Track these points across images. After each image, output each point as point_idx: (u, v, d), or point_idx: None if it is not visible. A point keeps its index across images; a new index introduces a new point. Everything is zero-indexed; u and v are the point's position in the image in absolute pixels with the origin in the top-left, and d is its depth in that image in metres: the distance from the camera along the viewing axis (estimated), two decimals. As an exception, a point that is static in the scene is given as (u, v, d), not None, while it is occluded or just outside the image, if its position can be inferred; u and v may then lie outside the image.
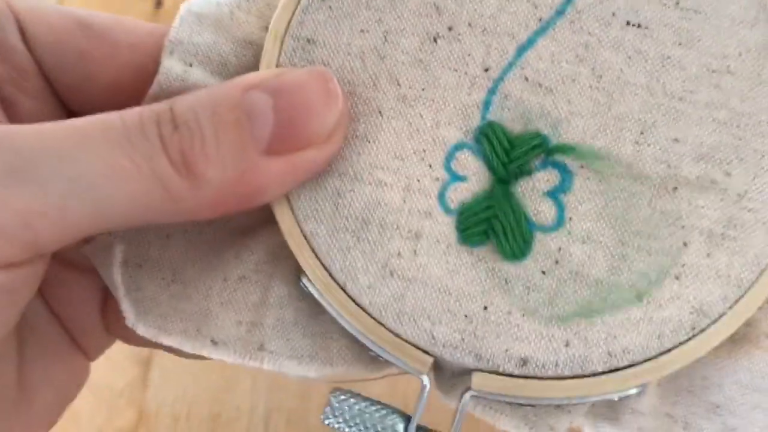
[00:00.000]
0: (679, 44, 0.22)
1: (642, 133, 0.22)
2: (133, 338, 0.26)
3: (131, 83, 0.23)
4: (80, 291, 0.25)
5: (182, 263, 0.24)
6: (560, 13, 0.22)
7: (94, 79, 0.24)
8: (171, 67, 0.22)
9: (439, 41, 0.22)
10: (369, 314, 0.22)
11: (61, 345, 0.25)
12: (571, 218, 0.21)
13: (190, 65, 0.23)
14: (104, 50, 0.23)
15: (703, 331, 0.21)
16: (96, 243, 0.24)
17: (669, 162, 0.22)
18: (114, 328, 0.26)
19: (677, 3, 0.22)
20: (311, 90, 0.21)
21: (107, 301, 0.26)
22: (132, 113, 0.20)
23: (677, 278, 0.21)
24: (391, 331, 0.22)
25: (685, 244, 0.21)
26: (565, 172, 0.22)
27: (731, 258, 0.21)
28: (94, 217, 0.20)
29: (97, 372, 0.28)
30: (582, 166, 0.22)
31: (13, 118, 0.23)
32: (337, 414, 0.22)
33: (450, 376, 0.22)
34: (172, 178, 0.20)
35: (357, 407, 0.22)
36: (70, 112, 0.25)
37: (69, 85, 0.24)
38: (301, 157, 0.21)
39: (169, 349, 0.25)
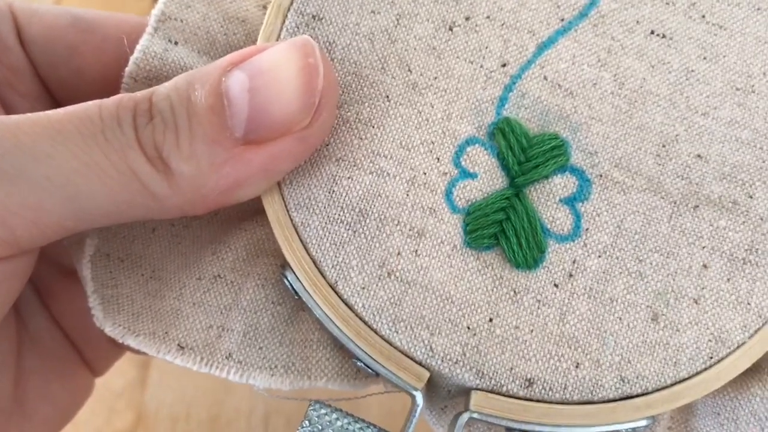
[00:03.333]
0: (704, 58, 0.21)
1: (664, 146, 0.20)
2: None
3: (121, 77, 0.22)
4: (85, 302, 0.23)
5: (163, 259, 0.22)
6: (583, 15, 0.21)
7: (84, 74, 0.23)
8: (149, 45, 0.21)
9: (455, 29, 0.21)
10: (361, 318, 0.19)
11: (64, 359, 0.24)
12: (587, 229, 0.20)
13: (175, 43, 0.21)
14: (93, 44, 0.23)
15: (721, 360, 0.19)
16: (72, 236, 0.21)
17: (691, 178, 0.20)
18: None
19: (703, 16, 0.21)
20: (288, 66, 0.19)
21: None
22: (110, 103, 0.19)
23: (696, 302, 0.20)
24: (385, 339, 0.19)
25: (705, 266, 0.20)
26: (584, 180, 0.20)
27: (752, 284, 0.20)
28: (73, 214, 0.19)
29: None
30: (601, 175, 0.20)
31: None
32: (314, 430, 0.19)
33: (445, 395, 0.20)
34: (149, 173, 0.18)
35: (338, 423, 0.19)
36: None
37: (60, 81, 0.23)
38: (280, 145, 0.19)
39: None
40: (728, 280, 0.20)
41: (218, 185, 0.19)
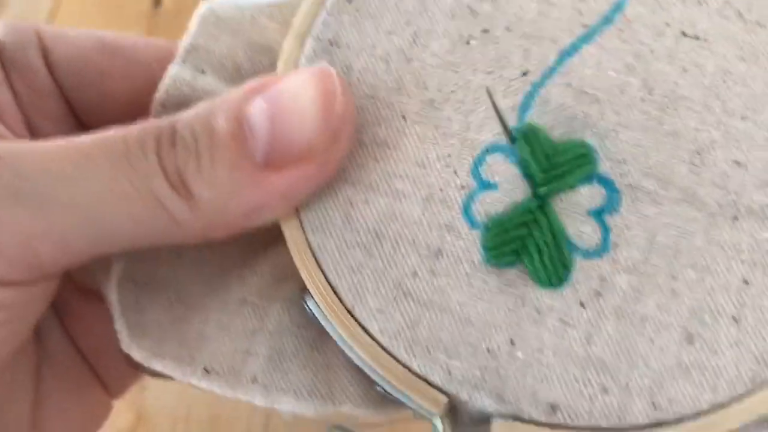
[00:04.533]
0: (742, 59, 0.20)
1: (698, 153, 0.19)
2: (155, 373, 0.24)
3: (147, 99, 0.22)
4: (104, 323, 0.23)
5: (189, 283, 0.22)
6: (608, 20, 0.20)
7: (111, 97, 0.24)
8: (179, 72, 0.21)
9: (472, 42, 0.20)
10: (378, 342, 0.19)
11: (81, 381, 0.25)
12: (617, 243, 0.19)
13: (203, 72, 0.22)
14: (121, 68, 0.23)
15: (765, 384, 0.18)
16: (98, 261, 0.22)
17: (729, 187, 0.19)
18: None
19: (740, 14, 0.20)
20: (306, 93, 0.19)
21: None
22: (134, 131, 0.19)
23: (736, 321, 0.18)
24: (402, 364, 0.19)
25: (745, 282, 0.18)
26: (612, 190, 0.19)
27: None
28: (97, 239, 0.19)
29: None
30: (631, 185, 0.19)
31: (33, 137, 0.23)
32: None
33: (467, 422, 0.19)
34: (171, 198, 0.19)
35: None
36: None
37: (87, 104, 0.24)
38: (300, 170, 0.19)
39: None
40: None
41: (239, 209, 0.19)
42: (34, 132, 0.24)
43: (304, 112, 0.19)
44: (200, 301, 0.21)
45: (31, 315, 0.21)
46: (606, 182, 0.19)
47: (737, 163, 0.19)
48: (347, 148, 0.20)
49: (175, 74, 0.21)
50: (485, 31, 0.20)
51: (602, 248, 0.19)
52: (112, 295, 0.22)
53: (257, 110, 0.19)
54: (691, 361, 0.18)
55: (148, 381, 0.35)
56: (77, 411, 0.24)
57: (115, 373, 0.25)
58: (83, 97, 0.24)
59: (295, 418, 0.20)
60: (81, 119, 0.25)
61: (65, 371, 0.24)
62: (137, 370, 0.24)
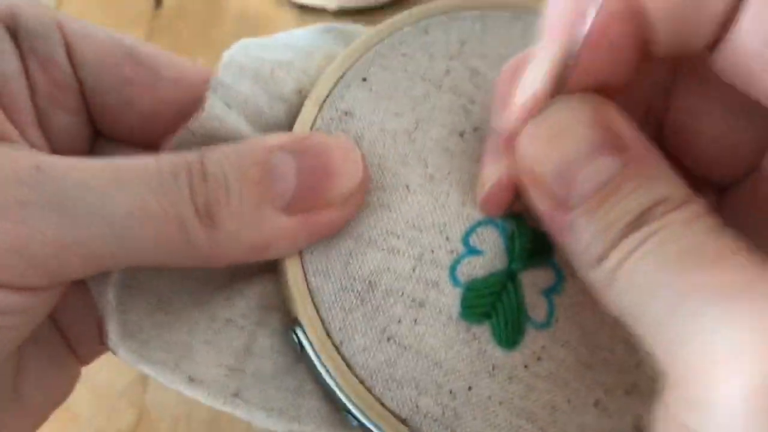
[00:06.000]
0: None
1: None
2: None
3: (168, 114, 0.24)
4: (81, 301, 0.25)
5: (170, 293, 0.24)
6: None
7: (134, 105, 0.25)
8: (214, 106, 0.23)
9: (465, 136, 0.24)
10: (357, 376, 0.22)
11: (57, 351, 0.25)
12: (557, 320, 0.23)
13: (230, 107, 0.24)
14: (147, 79, 0.24)
15: None
16: None
17: None
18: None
19: None
20: (334, 155, 0.23)
21: None
22: (167, 160, 0.21)
23: (627, 393, 0.23)
24: (375, 397, 0.22)
25: (637, 365, 0.23)
26: (560, 276, 0.24)
27: None
28: (120, 254, 0.21)
29: (97, 373, 0.28)
30: (572, 274, 0.24)
31: (46, 131, 0.24)
32: None
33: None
34: (194, 225, 0.21)
35: None
36: (96, 132, 0.26)
37: (106, 107, 0.25)
38: (316, 218, 0.22)
39: None
40: (654, 378, 0.23)
41: (253, 243, 0.22)
42: (45, 124, 0.24)
43: (332, 171, 0.22)
44: (184, 311, 0.23)
45: (41, 316, 0.22)
46: (556, 268, 0.24)
47: None
48: (360, 205, 0.23)
49: (209, 107, 0.23)
50: (475, 129, 0.25)
51: (547, 322, 0.23)
52: (109, 296, 0.23)
53: (284, 163, 0.22)
54: (592, 422, 0.23)
55: (150, 380, 0.37)
56: (53, 377, 0.25)
57: (87, 346, 0.26)
58: (103, 99, 0.25)
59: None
60: (95, 117, 0.25)
61: (43, 341, 0.25)
62: (108, 348, 0.25)
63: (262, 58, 0.25)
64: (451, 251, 0.23)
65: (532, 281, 0.23)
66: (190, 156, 0.22)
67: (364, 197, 0.23)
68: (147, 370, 0.23)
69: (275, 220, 0.22)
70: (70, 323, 0.26)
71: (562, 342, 0.23)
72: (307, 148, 0.22)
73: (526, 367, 0.23)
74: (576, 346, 0.23)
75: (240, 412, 0.22)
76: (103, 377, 0.28)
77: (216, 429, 0.36)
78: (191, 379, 0.22)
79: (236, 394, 0.22)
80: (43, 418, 0.25)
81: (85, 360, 0.26)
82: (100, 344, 0.25)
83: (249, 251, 0.22)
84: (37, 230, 0.19)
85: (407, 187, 0.24)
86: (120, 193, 0.20)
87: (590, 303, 0.24)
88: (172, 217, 0.21)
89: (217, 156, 0.22)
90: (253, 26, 0.53)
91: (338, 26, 0.28)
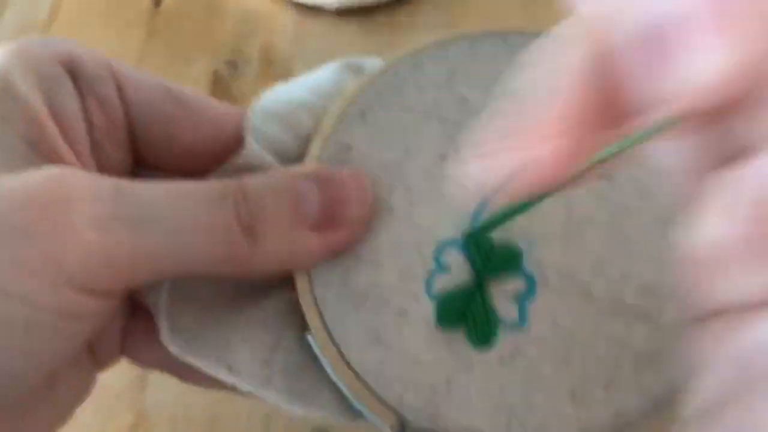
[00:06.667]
0: (640, 197, 0.27)
1: (599, 262, 0.27)
2: (142, 360, 0.30)
3: (205, 149, 0.29)
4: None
5: (211, 301, 0.29)
6: None
7: (176, 141, 0.28)
8: (254, 144, 0.28)
9: (446, 160, 0.28)
10: (354, 371, 0.26)
11: (82, 355, 0.28)
12: (530, 322, 0.26)
13: (261, 146, 0.28)
14: (190, 118, 0.29)
15: None
16: None
17: (615, 291, 0.26)
18: (129, 348, 0.30)
19: (642, 165, 0.28)
20: (351, 185, 0.27)
21: (129, 322, 0.30)
22: (215, 184, 0.25)
23: (605, 387, 0.26)
24: (369, 389, 0.26)
25: (616, 360, 0.26)
26: (532, 282, 0.27)
27: (654, 376, 0.26)
28: (176, 262, 0.24)
29: None
30: (546, 280, 0.27)
31: (96, 161, 0.28)
32: None
33: (411, 435, 0.27)
34: (239, 240, 0.24)
35: None
36: (137, 162, 0.30)
37: (152, 142, 0.29)
38: (335, 236, 0.27)
39: (174, 373, 0.29)
40: (635, 372, 0.26)
41: (285, 257, 0.26)
42: (97, 155, 0.27)
43: (346, 197, 0.27)
44: (223, 315, 0.28)
45: (104, 322, 0.25)
46: (528, 276, 0.27)
47: (625, 274, 0.27)
48: (366, 227, 0.27)
49: (249, 143, 0.28)
50: (457, 151, 0.28)
51: (520, 324, 0.26)
52: (162, 300, 0.28)
53: (309, 189, 0.26)
54: (570, 412, 0.26)
55: (149, 381, 0.38)
56: (78, 380, 0.28)
57: (107, 353, 0.29)
58: (149, 135, 0.28)
59: (291, 418, 0.26)
60: (140, 150, 0.28)
61: None
62: (123, 353, 0.30)
63: (287, 102, 0.30)
64: (426, 268, 0.27)
65: (503, 289, 0.27)
66: (233, 182, 0.26)
67: (370, 218, 0.27)
68: (193, 360, 0.27)
69: (303, 238, 0.26)
70: (98, 332, 0.27)
71: (536, 341, 0.26)
72: (327, 177, 0.27)
73: (501, 363, 0.26)
74: (551, 344, 0.26)
75: (271, 397, 0.27)
76: (102, 378, 0.29)
77: (215, 429, 0.37)
78: (231, 368, 0.27)
79: (268, 382, 0.27)
80: (66, 417, 0.28)
81: (102, 366, 0.29)
82: (117, 352, 0.29)
83: (281, 263, 0.26)
84: (120, 242, 0.22)
85: (392, 210, 0.27)
86: (182, 211, 0.24)
87: (567, 305, 0.26)
88: (221, 233, 0.24)
89: (255, 182, 0.26)
90: (252, 25, 0.52)
91: (356, 61, 0.32)
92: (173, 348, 0.28)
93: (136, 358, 0.31)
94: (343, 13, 0.51)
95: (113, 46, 0.51)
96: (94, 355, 0.29)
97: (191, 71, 0.50)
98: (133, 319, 0.30)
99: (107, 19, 0.53)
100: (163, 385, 0.38)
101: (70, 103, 0.27)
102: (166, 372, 0.30)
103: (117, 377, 0.35)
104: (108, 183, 0.23)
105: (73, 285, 0.22)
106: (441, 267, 0.27)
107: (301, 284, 0.27)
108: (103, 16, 0.54)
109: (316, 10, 0.52)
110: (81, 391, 0.29)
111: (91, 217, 0.22)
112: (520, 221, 0.27)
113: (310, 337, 0.27)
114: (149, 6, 0.53)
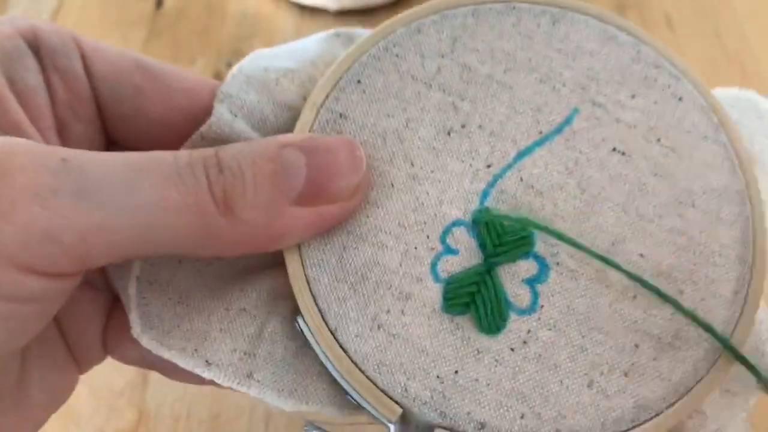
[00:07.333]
0: (655, 174, 0.26)
1: (613, 244, 0.25)
2: (127, 358, 0.28)
3: (178, 123, 0.26)
4: (87, 306, 0.27)
5: (189, 288, 0.26)
6: (558, 130, 0.26)
7: (146, 114, 0.26)
8: (222, 112, 0.25)
9: (452, 134, 0.26)
10: (352, 360, 0.24)
11: (59, 355, 0.26)
12: (542, 306, 0.24)
13: (235, 116, 0.26)
14: (159, 90, 0.26)
15: (641, 425, 0.24)
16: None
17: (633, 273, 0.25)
18: (112, 346, 0.28)
19: (659, 140, 0.26)
20: (341, 153, 0.24)
21: (110, 319, 0.28)
22: (182, 154, 0.22)
23: (625, 374, 0.24)
24: (369, 379, 0.24)
25: (636, 346, 0.24)
26: (543, 265, 0.25)
27: (674, 364, 0.24)
28: (139, 240, 0.21)
29: (97, 372, 0.28)
30: (558, 263, 0.25)
31: (64, 139, 0.26)
32: None
33: (414, 429, 0.25)
34: (212, 214, 0.22)
35: None
36: (109, 140, 0.28)
37: (121, 116, 0.26)
38: (324, 210, 0.24)
39: (159, 370, 0.26)
40: (654, 359, 0.24)
41: (268, 232, 0.23)
42: (64, 133, 0.25)
43: (340, 166, 0.24)
44: (202, 303, 0.26)
45: (58, 306, 0.23)
46: (539, 259, 0.25)
47: (641, 255, 0.25)
48: (361, 199, 0.25)
49: (219, 113, 0.25)
50: (463, 126, 0.26)
51: (531, 308, 0.24)
52: (130, 289, 0.26)
53: (294, 158, 0.23)
54: (588, 401, 0.24)
55: (150, 379, 0.37)
56: (55, 381, 0.26)
57: (88, 352, 0.27)
58: (118, 110, 0.26)
59: (292, 415, 0.24)
60: (109, 126, 0.27)
61: (47, 345, 0.26)
62: (106, 353, 0.28)
63: (268, 68, 0.27)
64: (432, 249, 0.25)
65: (513, 272, 0.25)
66: (206, 151, 0.23)
67: (366, 190, 0.25)
68: (168, 356, 0.25)
69: (287, 211, 0.23)
70: (74, 329, 0.27)
71: (549, 326, 0.24)
72: (315, 145, 0.24)
73: (512, 350, 0.24)
74: (565, 329, 0.24)
75: (253, 392, 0.25)
76: (102, 377, 0.28)
77: (216, 428, 0.37)
78: (208, 363, 0.25)
79: (249, 376, 0.25)
80: (42, 421, 0.26)
81: (84, 367, 0.27)
82: (101, 351, 0.27)
83: (263, 240, 0.23)
84: (65, 216, 0.20)
85: (392, 185, 0.25)
86: (140, 182, 0.21)
87: (582, 288, 0.25)
88: (191, 207, 0.22)
89: (232, 151, 0.23)
90: (253, 26, 0.53)
91: (346, 31, 0.29)
92: (145, 341, 0.25)
93: (121, 356, 0.28)
94: (342, 13, 0.52)
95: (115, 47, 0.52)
96: (73, 355, 0.27)
97: (192, 71, 0.50)
98: (115, 314, 0.27)
99: (109, 20, 0.54)
100: (164, 383, 0.37)
101: (32, 77, 0.24)
102: (152, 369, 0.27)
103: (118, 376, 0.36)
104: (54, 153, 0.21)
105: (14, 264, 0.20)
106: (448, 248, 0.25)
107: (292, 264, 0.25)
108: (105, 17, 0.54)
109: (316, 11, 0.53)
110: (58, 394, 0.26)
111: (32, 189, 0.20)
112: (528, 199, 0.25)
113: (301, 322, 0.25)
114: (151, 7, 0.54)
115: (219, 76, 0.51)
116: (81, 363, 0.27)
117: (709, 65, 0.50)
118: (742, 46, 0.51)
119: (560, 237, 0.24)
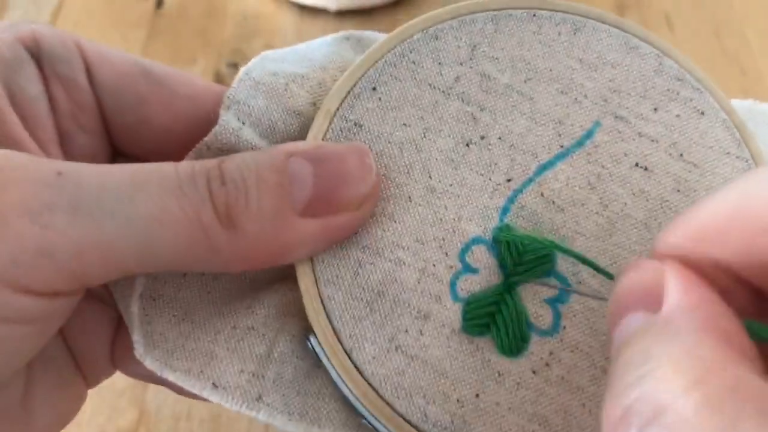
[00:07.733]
0: (678, 191, 0.25)
1: None
2: (136, 373, 0.27)
3: (184, 131, 0.25)
4: (94, 321, 0.26)
5: (194, 304, 0.25)
6: (580, 144, 0.25)
7: (150, 123, 0.25)
8: (228, 120, 0.24)
9: (471, 146, 0.25)
10: (368, 383, 0.23)
11: (66, 371, 0.25)
12: (565, 327, 0.24)
13: (243, 123, 0.24)
14: (163, 97, 0.25)
15: None
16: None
17: None
18: (120, 361, 0.27)
19: (681, 155, 0.25)
20: (349, 162, 0.23)
21: (118, 334, 0.27)
22: (185, 165, 0.22)
23: None
24: (387, 403, 0.23)
25: None
26: (566, 285, 0.24)
27: None
28: (138, 256, 0.21)
29: None
30: (580, 282, 0.24)
31: (67, 150, 0.25)
32: None
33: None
34: (215, 228, 0.21)
35: None
36: (115, 151, 0.26)
37: (124, 126, 0.25)
38: (333, 221, 0.23)
39: (169, 386, 0.25)
40: None
41: (273, 246, 0.22)
42: (66, 144, 0.25)
43: (348, 176, 0.23)
44: (208, 322, 0.24)
45: (56, 327, 0.22)
46: (561, 278, 0.24)
47: None
48: (372, 210, 0.24)
49: (225, 122, 0.24)
50: (482, 137, 0.25)
51: (553, 329, 0.24)
52: (133, 307, 0.24)
53: (301, 168, 0.22)
54: None
55: None
56: (61, 398, 0.25)
57: (95, 367, 0.26)
58: (122, 119, 0.25)
59: None
60: (113, 136, 0.26)
61: (53, 362, 0.25)
62: (114, 367, 0.27)
63: (277, 73, 0.26)
64: (451, 267, 0.24)
65: (534, 292, 0.24)
66: (209, 162, 0.22)
67: (377, 201, 0.24)
68: (172, 378, 0.24)
69: (294, 223, 0.22)
70: (81, 344, 0.26)
71: (571, 348, 0.24)
72: (323, 154, 0.23)
73: (534, 372, 0.23)
74: (588, 351, 0.24)
75: (262, 416, 0.24)
76: None
77: (216, 428, 0.37)
78: (215, 386, 0.24)
79: (258, 399, 0.24)
80: None
81: (92, 382, 0.27)
82: (109, 366, 0.26)
83: (269, 254, 0.22)
84: (61, 233, 0.19)
85: (410, 198, 0.24)
86: (139, 195, 0.20)
87: (605, 308, 0.24)
88: (193, 221, 0.21)
89: (235, 162, 0.22)
90: (253, 27, 0.53)
91: (356, 33, 0.28)
92: (149, 362, 0.24)
93: (129, 371, 0.27)
94: (342, 13, 0.51)
95: (115, 47, 0.52)
96: (81, 370, 0.26)
97: (193, 72, 0.51)
98: (123, 328, 0.26)
99: (109, 20, 0.54)
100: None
101: (32, 87, 0.23)
102: (161, 385, 0.26)
103: (119, 376, 0.34)
104: (49, 166, 0.20)
105: (7, 283, 0.19)
106: (467, 267, 0.24)
107: (305, 280, 0.24)
108: (105, 17, 0.54)
109: (316, 11, 0.53)
110: (64, 411, 0.25)
111: (25, 205, 0.19)
112: (549, 215, 0.24)
113: (314, 342, 0.24)
114: (151, 7, 0.54)
115: (219, 76, 0.50)
116: (89, 377, 0.27)
117: (708, 65, 0.50)
118: (742, 45, 0.51)
119: (582, 260, 0.24)
